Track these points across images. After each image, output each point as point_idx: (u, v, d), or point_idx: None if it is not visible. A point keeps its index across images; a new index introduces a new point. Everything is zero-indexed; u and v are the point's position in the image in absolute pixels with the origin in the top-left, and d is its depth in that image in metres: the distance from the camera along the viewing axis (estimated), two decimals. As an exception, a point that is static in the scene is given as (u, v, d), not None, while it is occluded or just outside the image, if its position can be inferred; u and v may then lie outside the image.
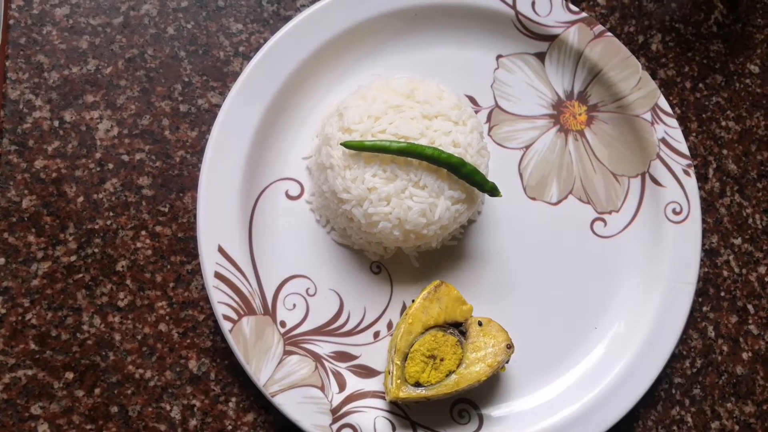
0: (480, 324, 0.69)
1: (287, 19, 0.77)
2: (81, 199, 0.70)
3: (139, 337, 0.69)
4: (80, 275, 0.69)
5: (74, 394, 0.67)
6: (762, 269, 0.83)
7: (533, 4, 0.78)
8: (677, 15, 0.86)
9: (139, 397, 0.68)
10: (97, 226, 0.70)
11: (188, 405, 0.69)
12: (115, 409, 0.68)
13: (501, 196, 0.69)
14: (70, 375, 0.68)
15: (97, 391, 0.68)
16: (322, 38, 0.73)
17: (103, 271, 0.70)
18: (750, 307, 0.82)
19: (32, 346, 0.67)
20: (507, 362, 0.69)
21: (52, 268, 0.69)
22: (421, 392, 0.66)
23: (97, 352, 0.68)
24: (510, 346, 0.68)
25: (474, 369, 0.67)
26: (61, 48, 0.72)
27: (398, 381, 0.66)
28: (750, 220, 0.84)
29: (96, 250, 0.70)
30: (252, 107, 0.71)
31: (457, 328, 0.69)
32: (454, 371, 0.67)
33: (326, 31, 0.73)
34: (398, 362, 0.66)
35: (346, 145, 0.66)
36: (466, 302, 0.70)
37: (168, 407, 0.69)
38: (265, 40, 0.76)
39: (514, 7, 0.77)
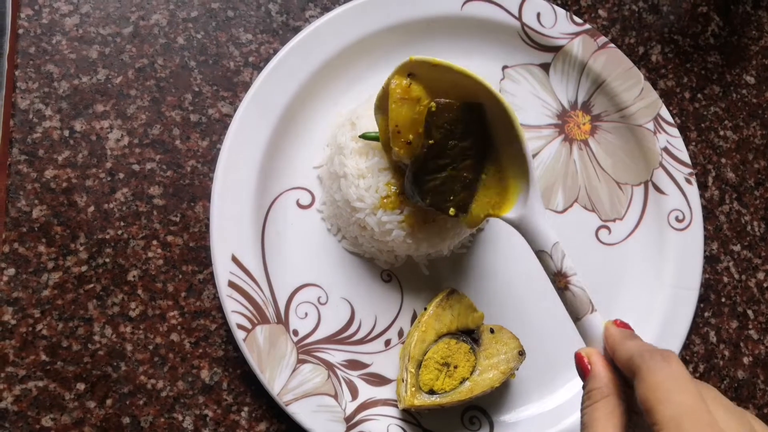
0: (492, 331, 0.70)
1: (296, 29, 0.77)
2: (92, 208, 0.70)
3: (150, 347, 0.69)
4: (91, 285, 0.69)
5: (86, 405, 0.67)
6: (761, 275, 0.85)
7: (538, 15, 0.79)
8: (676, 27, 0.88)
9: (151, 408, 0.68)
10: (108, 236, 0.70)
11: (201, 415, 0.69)
12: (127, 420, 0.67)
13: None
14: (81, 386, 0.67)
15: (108, 402, 0.67)
16: (331, 49, 0.74)
17: (115, 281, 0.69)
18: (750, 312, 0.84)
19: (43, 357, 0.67)
20: (517, 369, 0.70)
21: (62, 278, 0.68)
22: (435, 399, 0.66)
23: (108, 362, 0.68)
24: (522, 353, 0.69)
25: (487, 376, 0.68)
26: (71, 57, 0.72)
27: (413, 389, 0.66)
28: (748, 227, 0.86)
29: (107, 260, 0.69)
30: (263, 117, 0.71)
31: (470, 335, 0.69)
32: (467, 378, 0.68)
33: (336, 41, 0.74)
34: (412, 370, 0.67)
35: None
36: (477, 309, 0.70)
37: (180, 417, 0.68)
38: (275, 50, 0.76)
39: (519, 18, 0.78)
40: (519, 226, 0.58)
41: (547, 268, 0.56)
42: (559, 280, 0.55)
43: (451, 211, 0.62)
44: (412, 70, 0.62)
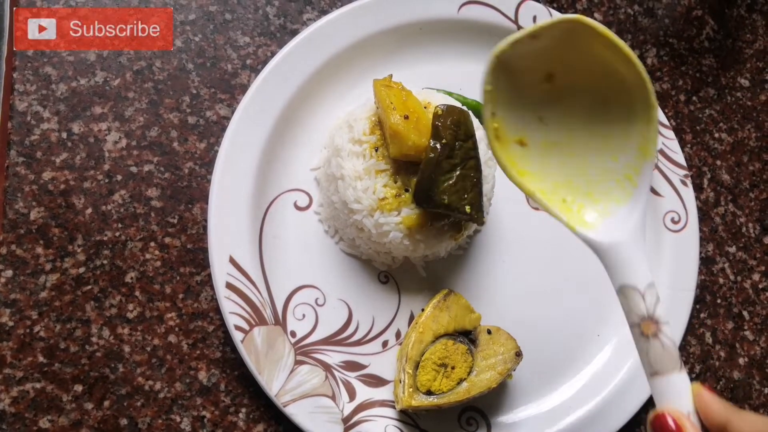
0: (489, 332, 0.70)
1: (294, 32, 0.78)
2: (89, 210, 0.70)
3: (148, 349, 0.69)
4: (89, 287, 0.69)
5: (83, 406, 0.67)
6: (756, 276, 0.85)
7: (534, 18, 0.80)
8: (671, 30, 0.89)
9: (149, 409, 0.68)
10: (105, 238, 0.70)
11: (198, 416, 0.69)
12: (124, 421, 0.67)
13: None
14: (79, 387, 0.67)
15: (106, 403, 0.67)
16: (328, 52, 0.74)
17: (112, 283, 0.69)
18: (745, 313, 0.84)
19: (40, 358, 0.67)
20: (514, 370, 0.71)
21: (60, 279, 0.68)
22: (433, 400, 0.66)
23: (106, 364, 0.68)
24: (519, 354, 0.70)
25: (485, 376, 0.68)
26: (68, 60, 0.72)
27: (410, 390, 0.66)
28: (743, 229, 0.86)
29: (105, 262, 0.70)
30: (261, 120, 0.71)
31: (467, 336, 0.70)
32: (465, 379, 0.68)
33: (333, 44, 0.75)
34: (410, 371, 0.67)
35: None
36: (474, 310, 0.71)
37: (178, 419, 0.68)
38: (273, 53, 0.77)
39: (516, 21, 0.79)
40: (603, 251, 0.49)
41: (633, 309, 0.47)
42: (647, 327, 0.46)
43: (467, 208, 0.64)
44: (536, 33, 0.49)
